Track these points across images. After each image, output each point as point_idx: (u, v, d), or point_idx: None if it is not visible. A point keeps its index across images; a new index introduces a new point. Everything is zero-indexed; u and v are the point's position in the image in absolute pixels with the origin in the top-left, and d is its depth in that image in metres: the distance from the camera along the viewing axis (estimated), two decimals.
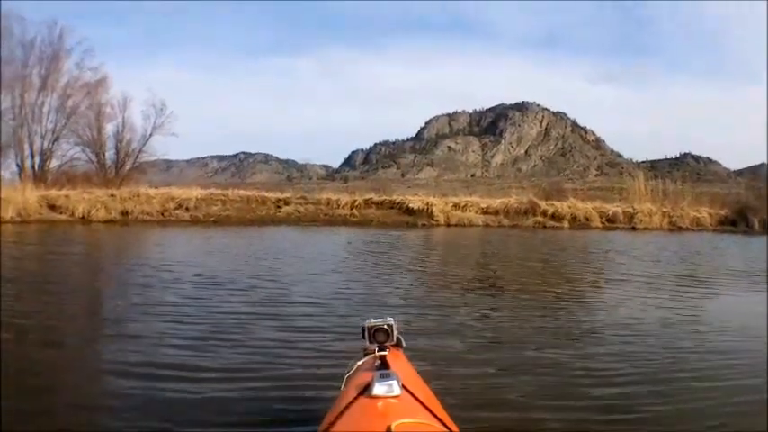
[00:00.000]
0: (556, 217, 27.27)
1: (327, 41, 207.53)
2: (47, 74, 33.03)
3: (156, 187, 29.17)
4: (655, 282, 10.58)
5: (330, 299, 7.99)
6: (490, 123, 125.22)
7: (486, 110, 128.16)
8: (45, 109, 33.08)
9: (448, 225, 26.63)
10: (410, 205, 27.78)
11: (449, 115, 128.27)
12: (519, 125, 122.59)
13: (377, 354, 2.20)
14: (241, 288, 8.70)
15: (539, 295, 9.14)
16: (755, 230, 26.54)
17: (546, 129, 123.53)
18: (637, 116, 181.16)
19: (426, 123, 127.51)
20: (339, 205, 28.62)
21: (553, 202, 28.25)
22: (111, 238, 19.99)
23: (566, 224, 26.82)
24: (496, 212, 27.79)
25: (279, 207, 28.40)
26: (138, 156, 35.08)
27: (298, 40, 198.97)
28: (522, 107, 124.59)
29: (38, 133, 32.99)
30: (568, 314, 7.59)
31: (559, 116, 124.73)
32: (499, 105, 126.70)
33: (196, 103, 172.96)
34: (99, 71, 34.28)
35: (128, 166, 34.71)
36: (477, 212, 27.77)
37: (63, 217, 24.48)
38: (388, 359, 2.16)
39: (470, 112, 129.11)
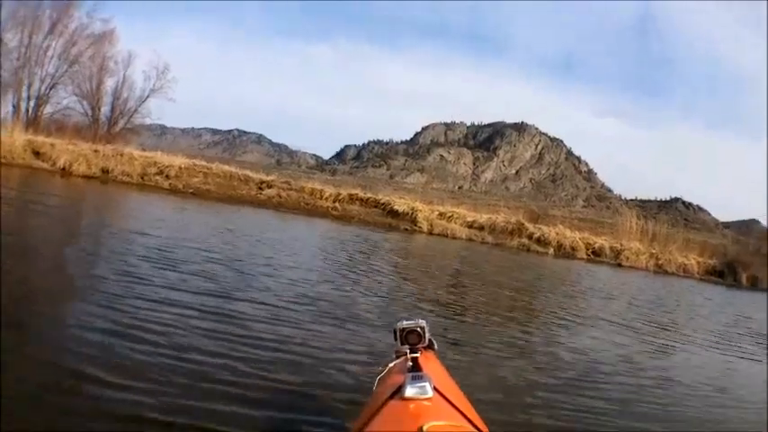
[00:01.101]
0: (541, 242, 26.46)
1: (343, 32, 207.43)
2: (57, 18, 32.37)
3: (144, 150, 28.76)
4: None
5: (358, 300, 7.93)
6: (486, 138, 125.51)
7: (485, 125, 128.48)
8: (49, 53, 32.55)
9: (430, 233, 25.85)
10: (395, 207, 26.94)
11: (446, 124, 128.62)
12: (514, 145, 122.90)
13: (409, 356, 2.18)
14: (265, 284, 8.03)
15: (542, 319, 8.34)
16: (742, 285, 26.08)
17: (540, 152, 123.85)
18: (634, 154, 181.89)
19: (423, 129, 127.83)
20: (322, 196, 27.75)
21: (541, 226, 27.46)
22: (83, 196, 19.01)
23: (551, 250, 26.00)
24: (481, 228, 26.94)
25: (261, 189, 27.64)
26: (132, 115, 34.64)
27: (311, 26, 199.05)
28: (520, 127, 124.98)
29: (38, 76, 32.47)
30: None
31: (556, 142, 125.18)
32: (498, 122, 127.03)
33: (201, 72, 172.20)
34: (108, 23, 33.86)
35: (120, 125, 34.28)
36: (462, 225, 26.91)
37: (45, 165, 23.87)
38: (420, 361, 2.13)
39: (468, 124, 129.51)
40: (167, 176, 25.81)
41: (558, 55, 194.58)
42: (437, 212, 27.29)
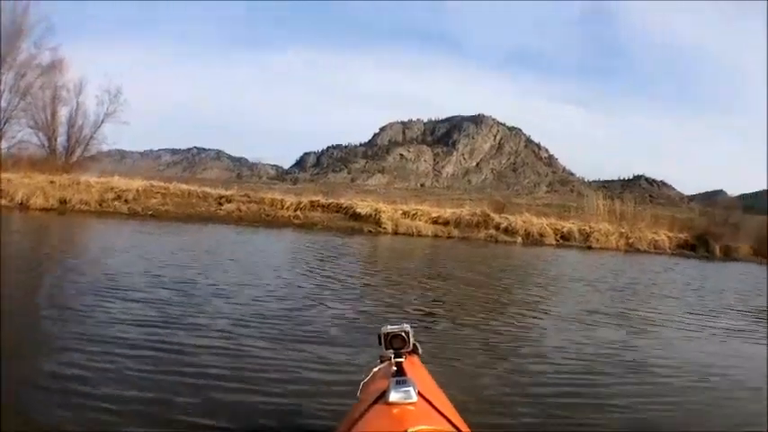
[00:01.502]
0: (509, 231, 25.96)
1: (291, 40, 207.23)
2: (7, 51, 31.18)
3: (103, 176, 27.89)
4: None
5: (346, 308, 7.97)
6: (444, 134, 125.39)
7: (442, 120, 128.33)
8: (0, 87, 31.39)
9: (395, 233, 25.22)
10: (357, 210, 26.32)
11: (403, 123, 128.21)
12: (473, 137, 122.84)
13: (393, 360, 2.16)
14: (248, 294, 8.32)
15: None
16: (716, 256, 25.94)
17: (499, 143, 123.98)
18: (593, 136, 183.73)
19: (381, 129, 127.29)
20: (283, 206, 27.11)
21: (507, 216, 26.94)
22: (37, 230, 17.82)
23: (519, 239, 25.51)
24: (447, 223, 26.36)
25: (220, 204, 27.01)
26: (88, 143, 33.68)
27: (263, 35, 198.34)
28: (477, 120, 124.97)
29: None
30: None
31: (514, 131, 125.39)
32: (455, 116, 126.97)
33: (154, 94, 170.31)
34: (57, 51, 32.73)
35: (77, 153, 33.33)
36: (427, 222, 26.27)
37: (3, 201, 22.97)
38: (405, 366, 2.11)
39: (425, 120, 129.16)
40: (125, 201, 25.26)
41: (512, 47, 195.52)
42: (401, 211, 26.64)
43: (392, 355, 2.20)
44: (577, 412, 4.35)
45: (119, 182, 26.36)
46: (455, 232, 25.85)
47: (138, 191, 25.89)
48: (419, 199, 32.16)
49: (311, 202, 27.36)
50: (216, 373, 4.67)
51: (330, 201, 27.67)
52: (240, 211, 26.54)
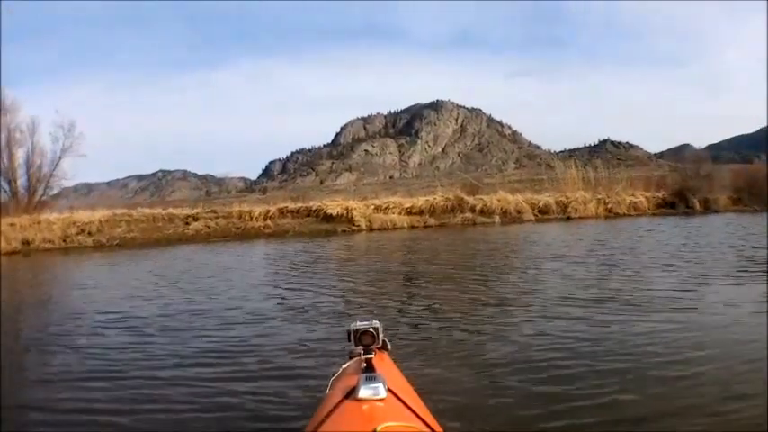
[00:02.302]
0: (485, 212, 25.32)
1: (239, 52, 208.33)
2: None
3: (72, 211, 27.18)
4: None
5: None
6: (406, 124, 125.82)
7: (401, 111, 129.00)
8: None
9: (370, 229, 24.51)
10: (328, 211, 25.48)
11: (363, 119, 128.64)
12: (435, 124, 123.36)
13: (363, 356, 2.16)
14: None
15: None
16: (697, 210, 25.62)
17: (462, 126, 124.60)
18: (553, 108, 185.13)
19: (342, 128, 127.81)
20: (252, 217, 26.25)
21: (482, 197, 26.30)
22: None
23: (497, 219, 24.87)
24: (421, 212, 25.64)
25: (187, 224, 26.11)
26: (49, 180, 32.65)
27: (210, 53, 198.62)
28: (436, 106, 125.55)
29: None
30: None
31: (475, 112, 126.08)
32: (414, 106, 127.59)
33: (114, 124, 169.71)
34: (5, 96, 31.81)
35: (39, 193, 32.22)
36: (401, 213, 25.53)
37: None
38: (374, 362, 2.13)
39: (385, 114, 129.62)
40: (89, 233, 24.45)
41: (458, 29, 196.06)
42: (372, 207, 25.86)
43: (361, 352, 2.20)
44: (550, 409, 3.84)
45: (80, 215, 25.52)
46: (431, 221, 25.18)
47: (100, 222, 25.01)
48: (390, 192, 31.45)
49: (279, 209, 26.48)
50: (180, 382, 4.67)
51: (299, 205, 26.77)
52: (208, 228, 25.71)
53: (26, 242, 23.50)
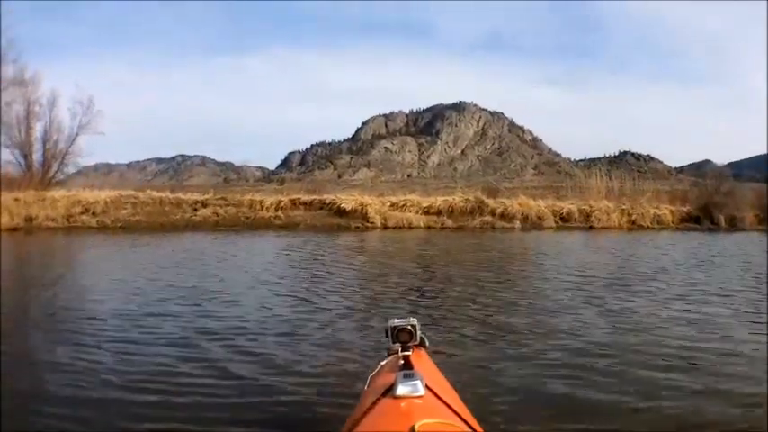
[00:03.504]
0: (505, 216, 24.52)
1: (269, 41, 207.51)
2: None
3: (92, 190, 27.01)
4: None
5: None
6: (427, 123, 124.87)
7: (424, 110, 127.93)
8: None
9: (385, 227, 23.89)
10: (342, 206, 24.82)
11: (385, 116, 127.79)
12: (456, 125, 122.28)
13: (400, 354, 2.16)
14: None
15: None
16: (722, 227, 24.67)
17: (483, 128, 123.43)
18: (577, 116, 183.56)
19: (363, 124, 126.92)
20: (263, 207, 25.62)
21: (503, 200, 25.51)
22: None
23: (517, 224, 24.09)
24: (439, 212, 24.93)
25: (196, 210, 25.74)
26: (64, 157, 32.19)
27: (243, 38, 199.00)
28: (459, 107, 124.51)
29: None
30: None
31: (497, 116, 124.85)
32: (437, 105, 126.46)
33: (138, 105, 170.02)
34: (22, 66, 31.22)
35: (54, 169, 31.95)
36: (417, 213, 24.80)
37: None
38: (412, 359, 2.12)
39: (407, 112, 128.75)
40: (94, 213, 24.23)
41: (487, 32, 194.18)
42: (389, 204, 25.13)
43: (399, 349, 2.18)
44: (588, 409, 3.92)
45: (85, 194, 25.20)
46: (449, 222, 24.49)
47: (106, 202, 24.74)
48: (406, 190, 30.67)
49: (292, 200, 25.91)
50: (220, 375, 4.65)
51: (312, 197, 26.13)
52: (217, 215, 25.35)
53: (29, 219, 23.12)
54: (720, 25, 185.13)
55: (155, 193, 26.59)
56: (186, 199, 26.31)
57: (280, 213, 25.30)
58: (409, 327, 2.21)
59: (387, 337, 2.24)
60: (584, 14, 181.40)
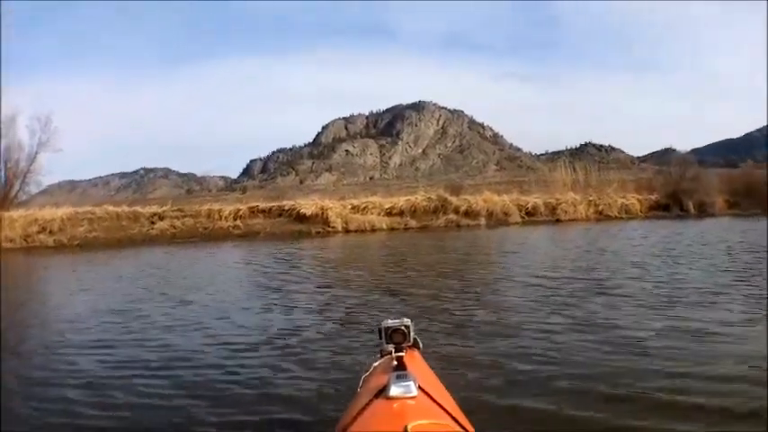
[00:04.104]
0: (470, 214, 23.90)
1: (226, 50, 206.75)
2: None
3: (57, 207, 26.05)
4: None
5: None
6: (387, 125, 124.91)
7: (383, 111, 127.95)
8: None
9: (347, 231, 23.27)
10: (302, 211, 24.02)
11: (345, 119, 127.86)
12: (416, 125, 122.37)
13: (393, 354, 2.11)
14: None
15: None
16: (692, 213, 24.37)
17: (443, 127, 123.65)
18: (536, 110, 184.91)
19: (323, 128, 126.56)
20: (221, 216, 24.79)
21: (466, 197, 24.89)
22: None
23: (482, 221, 23.51)
24: (402, 213, 24.24)
25: (153, 223, 25.00)
26: (25, 176, 31.35)
27: (196, 49, 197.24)
28: (418, 107, 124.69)
29: None
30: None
31: (456, 114, 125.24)
32: (396, 106, 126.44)
33: (99, 120, 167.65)
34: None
35: (16, 188, 31.04)
36: (380, 214, 24.09)
37: None
38: (405, 360, 2.07)
39: (367, 114, 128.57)
40: (51, 232, 23.46)
41: (444, 30, 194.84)
42: (350, 207, 24.38)
43: (392, 350, 2.14)
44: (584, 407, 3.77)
45: (41, 213, 24.33)
46: (412, 222, 23.90)
47: (62, 220, 23.86)
48: (369, 192, 29.96)
49: (250, 208, 25.15)
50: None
51: (271, 205, 25.34)
52: (174, 228, 24.60)
53: None
54: (676, 10, 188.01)
55: (110, 208, 25.88)
56: (143, 212, 25.58)
57: (238, 222, 24.62)
58: (402, 327, 2.17)
59: (380, 338, 2.19)
60: (540, 8, 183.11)
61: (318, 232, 22.83)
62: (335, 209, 24.02)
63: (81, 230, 23.75)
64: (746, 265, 9.66)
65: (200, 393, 4.31)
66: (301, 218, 24.06)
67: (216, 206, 26.01)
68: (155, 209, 26.05)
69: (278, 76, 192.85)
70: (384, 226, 23.66)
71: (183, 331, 6.62)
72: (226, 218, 24.91)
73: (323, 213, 23.78)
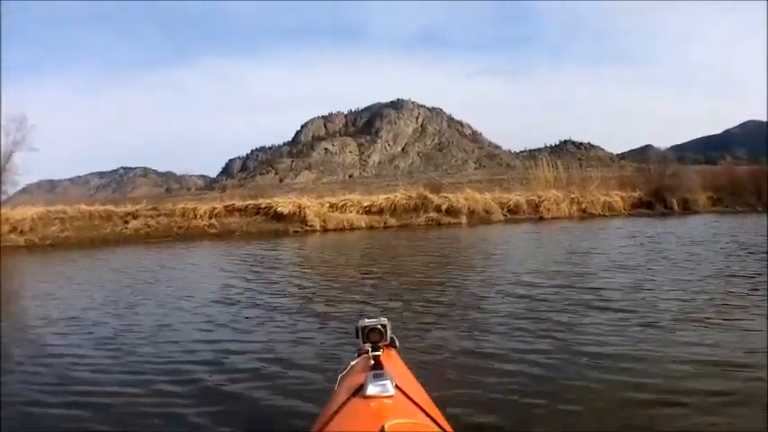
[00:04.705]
0: (451, 212, 23.43)
1: (203, 51, 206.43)
2: None
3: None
4: None
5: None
6: (366, 123, 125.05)
7: (362, 109, 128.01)
8: None
9: (325, 230, 22.69)
10: (279, 209, 23.39)
11: (324, 117, 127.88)
12: (395, 123, 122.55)
13: (371, 354, 2.12)
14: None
15: None
16: (675, 211, 24.10)
17: (422, 125, 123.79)
18: (514, 107, 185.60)
19: (302, 126, 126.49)
20: (196, 215, 24.11)
21: (447, 195, 24.40)
22: None
23: (464, 219, 23.07)
24: (381, 211, 23.71)
25: (126, 222, 24.18)
26: (1, 175, 30.18)
27: (174, 52, 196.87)
28: (397, 105, 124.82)
29: None
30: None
31: (435, 112, 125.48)
32: (375, 104, 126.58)
33: (79, 121, 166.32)
34: None
35: None
36: (359, 213, 23.56)
37: None
38: (382, 359, 2.09)
39: (345, 112, 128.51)
40: (21, 232, 22.54)
41: (420, 28, 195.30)
42: (328, 205, 23.81)
43: (369, 349, 2.13)
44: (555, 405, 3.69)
45: (12, 212, 23.51)
46: (392, 221, 23.37)
47: (33, 219, 23.01)
48: (348, 190, 29.44)
49: (226, 206, 24.43)
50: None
51: (247, 203, 24.68)
52: (149, 227, 23.82)
53: None
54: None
55: (83, 207, 24.97)
56: (117, 211, 24.80)
57: (214, 221, 23.90)
58: (379, 326, 2.14)
59: (357, 336, 2.16)
60: (513, 4, 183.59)
61: (296, 231, 22.24)
62: (313, 207, 23.41)
63: (53, 230, 23.04)
64: (755, 272, 8.54)
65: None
66: (278, 216, 23.43)
67: (191, 204, 25.23)
68: (129, 208, 25.27)
69: (255, 76, 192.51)
70: (363, 224, 23.14)
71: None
72: (201, 217, 24.16)
73: (300, 212, 23.20)
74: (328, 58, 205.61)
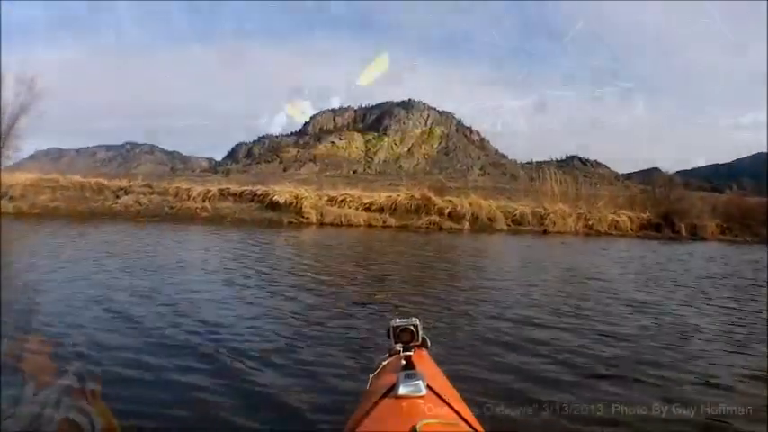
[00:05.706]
0: (454, 216, 22.72)
1: (226, 30, 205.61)
2: None
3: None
4: None
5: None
6: (375, 120, 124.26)
7: (372, 106, 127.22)
8: None
9: (321, 224, 22.09)
10: (275, 198, 22.73)
11: (333, 111, 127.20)
12: (404, 123, 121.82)
13: (402, 354, 2.14)
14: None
15: None
16: (683, 236, 23.44)
17: (431, 127, 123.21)
18: (525, 119, 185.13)
19: (311, 118, 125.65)
20: (189, 196, 23.60)
21: (451, 198, 23.65)
22: None
23: (466, 225, 22.43)
24: (381, 210, 23.02)
25: (117, 197, 24.04)
26: (6, 139, 29.88)
27: (195, 27, 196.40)
28: (408, 105, 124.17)
29: None
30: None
31: (445, 115, 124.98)
32: (386, 102, 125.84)
33: (92, 91, 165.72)
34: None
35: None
36: (358, 209, 22.88)
37: None
38: (414, 359, 2.10)
39: (356, 108, 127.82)
40: (11, 198, 22.52)
41: (440, 32, 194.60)
42: (326, 198, 23.09)
43: (401, 349, 2.15)
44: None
45: (5, 178, 23.28)
46: (391, 220, 22.72)
47: (25, 186, 23.05)
48: (350, 185, 28.73)
49: (221, 190, 23.90)
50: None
51: (242, 189, 24.11)
52: (139, 204, 23.57)
53: None
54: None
55: (75, 178, 24.97)
56: (108, 185, 24.68)
57: (207, 204, 23.41)
58: (411, 327, 2.17)
59: (388, 337, 2.18)
60: (536, 15, 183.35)
61: (291, 222, 21.62)
62: (311, 199, 22.79)
63: (43, 198, 22.85)
64: None
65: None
66: (274, 205, 22.86)
67: (184, 185, 24.83)
68: (122, 182, 25.15)
69: (272, 62, 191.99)
70: (361, 222, 22.48)
71: None
72: (194, 198, 23.69)
73: (297, 202, 22.55)
74: (346, 50, 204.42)
